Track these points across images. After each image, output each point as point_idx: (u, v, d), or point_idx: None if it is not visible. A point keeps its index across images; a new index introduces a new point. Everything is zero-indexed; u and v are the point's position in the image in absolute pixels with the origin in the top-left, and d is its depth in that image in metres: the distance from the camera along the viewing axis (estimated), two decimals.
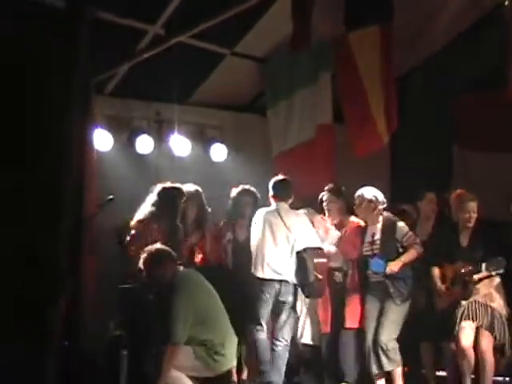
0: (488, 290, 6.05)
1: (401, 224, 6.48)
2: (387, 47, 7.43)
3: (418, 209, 6.87)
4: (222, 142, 8.56)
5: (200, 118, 8.57)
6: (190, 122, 8.43)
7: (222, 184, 7.58)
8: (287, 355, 6.26)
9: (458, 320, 5.98)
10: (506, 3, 6.55)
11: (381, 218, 6.50)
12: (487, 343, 5.88)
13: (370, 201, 6.49)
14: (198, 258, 6.55)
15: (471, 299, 6.03)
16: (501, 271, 5.83)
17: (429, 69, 8.60)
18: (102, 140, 7.79)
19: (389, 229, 6.47)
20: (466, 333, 5.92)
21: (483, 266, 5.88)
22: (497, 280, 6.06)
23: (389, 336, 6.26)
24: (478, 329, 5.94)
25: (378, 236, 6.47)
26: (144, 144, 8.02)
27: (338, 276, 6.54)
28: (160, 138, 8.18)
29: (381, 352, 6.23)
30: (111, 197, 6.35)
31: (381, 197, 6.51)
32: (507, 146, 7.78)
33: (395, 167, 8.88)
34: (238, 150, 8.55)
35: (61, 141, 5.52)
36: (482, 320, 5.93)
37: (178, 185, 6.36)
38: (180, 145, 8.19)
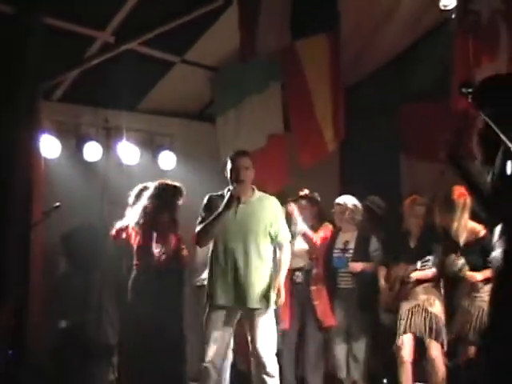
0: (427, 294, 6.16)
1: (374, 239, 6.66)
2: (335, 55, 7.49)
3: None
4: (170, 150, 8.50)
5: (149, 126, 8.51)
6: (138, 130, 8.38)
7: None
8: None
9: (399, 331, 6.11)
10: (453, 16, 6.72)
11: (355, 228, 6.64)
12: (436, 352, 6.01)
13: (352, 210, 6.64)
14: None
15: (410, 305, 6.13)
16: (433, 267, 6.02)
17: (377, 80, 8.72)
18: (50, 146, 7.71)
19: (364, 240, 6.65)
20: (407, 346, 6.08)
21: (418, 264, 6.06)
22: (435, 284, 6.20)
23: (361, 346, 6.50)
24: (423, 339, 6.07)
25: (351, 245, 6.63)
26: (92, 151, 7.92)
27: (299, 275, 6.60)
28: (108, 145, 8.09)
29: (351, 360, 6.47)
30: (57, 204, 6.32)
31: (360, 206, 6.65)
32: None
33: (344, 174, 8.94)
34: (187, 158, 8.47)
35: (6, 147, 5.57)
36: (425, 329, 6.05)
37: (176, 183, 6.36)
38: (128, 152, 8.12)
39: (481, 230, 5.86)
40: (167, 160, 8.48)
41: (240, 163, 5.18)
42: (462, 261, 5.87)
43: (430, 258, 6.05)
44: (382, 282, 6.41)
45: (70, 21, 6.83)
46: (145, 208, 6.06)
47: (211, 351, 5.09)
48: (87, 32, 7.07)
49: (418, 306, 6.13)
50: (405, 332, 6.09)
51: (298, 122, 7.68)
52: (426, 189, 7.25)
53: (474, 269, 5.87)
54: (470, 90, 3.48)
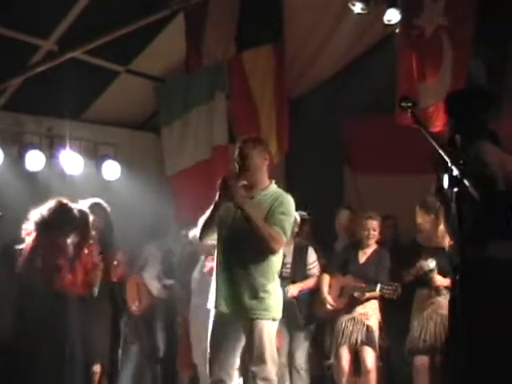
0: (364, 308, 6.31)
1: (311, 250, 6.61)
2: (280, 67, 7.58)
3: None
4: (115, 160, 8.43)
5: (93, 135, 8.44)
6: (82, 139, 8.32)
7: (114, 203, 7.04)
8: None
9: (336, 342, 6.24)
10: (397, 31, 6.79)
11: (291, 240, 6.45)
12: (371, 358, 6.17)
13: None
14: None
15: (346, 317, 6.28)
16: (393, 297, 6.03)
17: (321, 92, 8.86)
18: None
19: (300, 253, 6.58)
20: (345, 356, 6.24)
21: (378, 286, 6.09)
22: (373, 301, 6.33)
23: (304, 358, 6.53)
24: (356, 347, 6.22)
25: (289, 259, 6.48)
26: (34, 160, 7.78)
27: None
28: (52, 154, 8.05)
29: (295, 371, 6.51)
30: None
31: (298, 218, 6.46)
32: (392, 168, 7.99)
33: (289, 186, 8.29)
34: (131, 168, 8.41)
35: None
36: (360, 337, 6.20)
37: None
38: (72, 161, 8.03)
39: None
40: (111, 170, 8.39)
41: (243, 150, 4.79)
42: (434, 263, 5.97)
43: (393, 285, 6.06)
44: (324, 291, 6.44)
45: (14, 28, 6.77)
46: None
47: (215, 367, 4.79)
48: (31, 40, 7.01)
49: (354, 319, 6.27)
50: (342, 344, 6.24)
51: (243, 133, 7.10)
52: (371, 202, 7.43)
53: (442, 274, 5.98)
54: (409, 105, 3.54)
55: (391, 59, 7.00)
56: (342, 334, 6.25)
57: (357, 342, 6.19)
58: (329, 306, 6.39)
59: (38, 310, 4.93)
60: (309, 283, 6.56)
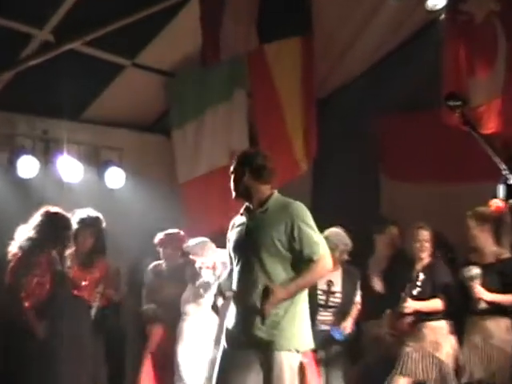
0: (434, 336, 6.20)
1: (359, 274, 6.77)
2: (308, 61, 7.54)
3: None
4: (119, 166, 8.34)
5: (94, 138, 8.38)
6: (82, 142, 8.24)
7: (118, 214, 7.56)
8: None
9: (394, 370, 6.10)
10: (442, 17, 6.74)
11: (339, 265, 6.58)
12: None
13: (343, 250, 6.57)
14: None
15: (414, 346, 6.16)
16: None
17: (353, 90, 8.73)
18: None
19: (351, 280, 6.70)
20: None
21: (414, 290, 6.11)
22: (444, 325, 6.22)
23: None
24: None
25: (337, 287, 6.61)
26: (27, 166, 7.67)
27: None
28: (47, 159, 7.96)
29: None
30: None
31: (346, 240, 6.56)
32: (435, 175, 7.87)
33: (317, 197, 8.82)
34: (138, 175, 8.35)
35: None
36: (429, 375, 6.11)
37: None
38: (70, 168, 7.94)
39: (504, 253, 6.04)
40: (115, 177, 8.30)
41: (231, 170, 4.89)
42: (477, 270, 5.95)
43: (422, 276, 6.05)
44: (384, 328, 6.49)
45: (3, 15, 6.67)
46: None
47: None
48: (23, 29, 6.91)
49: (423, 349, 6.16)
50: (401, 374, 6.11)
51: (266, 136, 7.62)
52: (410, 213, 7.40)
53: (487, 289, 5.96)
54: (458, 103, 3.54)
55: (433, 51, 6.98)
56: (403, 368, 6.14)
57: (423, 375, 6.13)
58: (389, 335, 6.42)
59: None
60: (354, 314, 6.70)
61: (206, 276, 6.90)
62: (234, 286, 4.74)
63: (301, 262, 4.62)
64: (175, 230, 7.32)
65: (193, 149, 8.22)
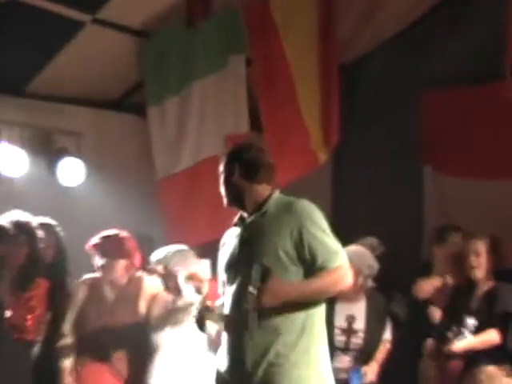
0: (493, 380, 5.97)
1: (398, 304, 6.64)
2: (327, 15, 7.30)
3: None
4: (77, 157, 8.12)
5: (43, 119, 8.11)
6: (27, 125, 8.00)
7: (75, 220, 7.41)
8: None
9: None
10: None
11: (363, 295, 6.35)
12: None
13: (358, 269, 6.14)
14: None
15: None
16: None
17: (384, 56, 8.45)
18: None
19: (377, 312, 6.42)
20: None
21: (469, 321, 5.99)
22: (505, 369, 5.96)
23: None
24: None
25: (360, 324, 6.30)
26: None
27: None
28: None
29: None
30: None
31: (371, 261, 6.32)
32: (494, 167, 7.63)
33: (338, 194, 8.74)
34: (102, 168, 8.25)
35: None
36: None
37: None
38: (9, 158, 7.78)
39: None
40: (71, 170, 8.11)
41: (221, 169, 4.72)
42: None
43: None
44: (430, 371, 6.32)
45: None
46: None
47: None
48: None
49: None
50: None
51: (271, 117, 7.41)
52: (462, 214, 7.29)
53: None
54: None
55: (493, 7, 6.89)
56: None
57: None
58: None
59: None
60: (382, 354, 6.36)
61: (190, 294, 6.51)
62: (226, 314, 4.57)
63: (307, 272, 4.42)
64: (115, 231, 6.96)
65: (175, 133, 8.00)
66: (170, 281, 6.63)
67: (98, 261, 6.69)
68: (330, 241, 4.36)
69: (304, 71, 7.40)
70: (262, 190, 4.54)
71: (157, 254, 6.64)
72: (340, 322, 6.26)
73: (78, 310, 6.73)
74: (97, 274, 6.80)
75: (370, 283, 6.35)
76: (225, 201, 4.62)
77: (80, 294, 6.78)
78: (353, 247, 6.30)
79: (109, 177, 8.14)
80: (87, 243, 6.53)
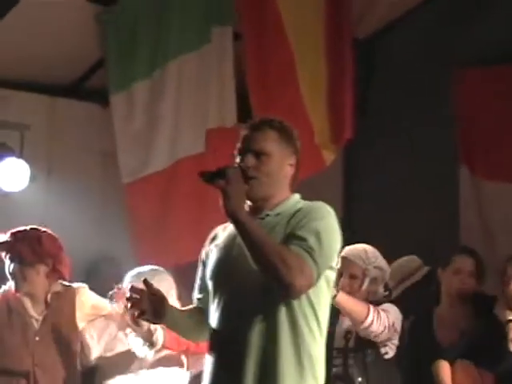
0: None
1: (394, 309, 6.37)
2: None
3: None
4: (19, 156, 7.98)
5: None
6: None
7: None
8: None
9: None
10: None
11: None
12: None
13: (361, 269, 6.24)
14: None
15: None
16: None
17: (408, 30, 8.51)
18: None
19: None
20: None
21: None
22: None
23: None
24: None
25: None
26: None
27: None
28: None
29: None
30: None
31: (381, 262, 6.27)
32: None
33: (350, 202, 8.72)
34: (50, 169, 8.21)
35: None
36: None
37: None
38: None
39: None
40: (14, 174, 7.94)
41: (250, 142, 4.47)
42: None
43: None
44: None
45: None
46: None
47: None
48: None
49: None
50: None
51: (266, 106, 7.43)
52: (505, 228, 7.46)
53: None
54: None
55: None
56: None
57: None
58: None
59: None
60: None
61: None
62: (211, 337, 4.53)
63: None
64: (32, 226, 6.62)
65: (144, 127, 7.92)
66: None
67: (8, 266, 6.38)
68: (319, 238, 4.25)
69: (308, 50, 7.51)
70: (288, 190, 4.61)
71: (128, 276, 6.49)
72: (337, 341, 6.29)
73: None
74: (9, 285, 6.52)
75: (381, 291, 6.30)
76: (251, 189, 4.41)
77: None
78: (359, 245, 6.36)
79: (61, 180, 8.07)
80: None
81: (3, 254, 6.35)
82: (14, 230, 6.34)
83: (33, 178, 7.99)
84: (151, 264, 6.83)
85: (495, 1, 7.91)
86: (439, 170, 8.12)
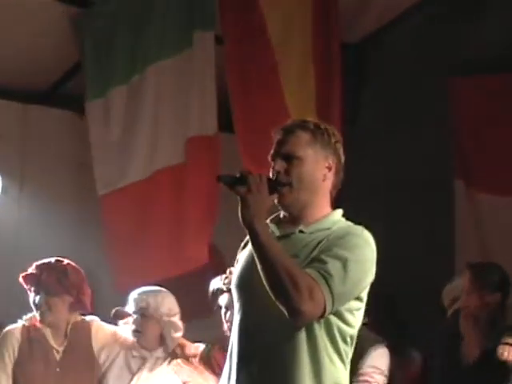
0: None
1: (376, 349, 6.02)
2: None
3: None
4: None
5: None
6: None
7: None
8: None
9: None
10: None
11: None
12: None
13: None
14: None
15: None
16: None
17: (403, 33, 8.36)
18: None
19: (358, 353, 5.80)
20: None
21: None
22: None
23: None
24: None
25: None
26: None
27: None
28: None
29: None
30: None
31: None
32: None
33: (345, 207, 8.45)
34: (22, 180, 8.23)
35: None
36: None
37: None
38: None
39: None
40: None
41: (284, 146, 4.35)
42: None
43: None
44: None
45: None
46: None
47: None
48: None
49: None
50: None
51: (247, 115, 7.40)
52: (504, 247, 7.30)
53: None
54: None
55: None
56: None
57: None
58: None
59: None
60: None
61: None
62: (233, 349, 4.39)
63: None
64: (56, 259, 6.60)
65: (121, 135, 7.74)
66: (148, 330, 6.46)
67: (34, 297, 6.41)
68: (343, 266, 4.07)
69: (294, 56, 7.42)
70: (327, 203, 4.49)
71: (132, 295, 6.51)
72: None
73: (12, 370, 6.47)
74: (33, 315, 6.49)
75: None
76: (283, 197, 4.33)
77: (11, 346, 6.52)
78: None
79: (34, 192, 8.13)
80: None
81: (29, 285, 6.41)
82: (38, 263, 6.36)
83: (4, 191, 8.07)
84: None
85: (493, 5, 7.65)
86: (434, 184, 7.89)
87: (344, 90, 7.55)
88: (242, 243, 4.58)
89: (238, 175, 4.09)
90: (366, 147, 8.08)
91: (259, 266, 4.09)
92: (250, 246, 4.34)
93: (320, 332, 4.16)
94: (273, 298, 4.05)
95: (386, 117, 8.24)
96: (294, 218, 4.28)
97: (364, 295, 4.24)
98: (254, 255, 4.15)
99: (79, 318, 6.43)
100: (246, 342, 4.33)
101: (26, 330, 6.44)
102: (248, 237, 4.33)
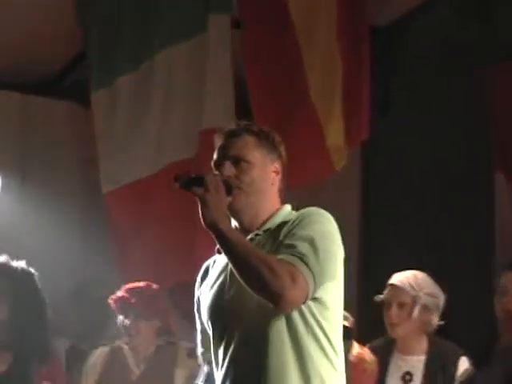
0: None
1: (464, 361, 6.11)
2: None
3: None
4: None
5: None
6: None
7: None
8: None
9: None
10: None
11: (425, 341, 6.17)
12: None
13: (410, 296, 6.15)
14: None
15: None
16: None
17: (435, 16, 8.01)
18: None
19: (442, 367, 6.20)
20: None
21: None
22: None
23: None
24: None
25: (417, 381, 6.17)
26: None
27: None
28: None
29: None
30: None
31: (433, 288, 6.14)
32: None
33: (368, 217, 8.44)
34: (23, 177, 8.12)
35: None
36: None
37: None
38: None
39: None
40: None
41: (228, 150, 4.27)
42: None
43: None
44: None
45: None
46: None
47: None
48: None
49: None
50: None
51: (267, 104, 7.16)
52: None
53: None
54: None
55: None
56: None
57: None
58: None
59: None
60: None
61: None
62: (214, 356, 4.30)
63: None
64: (146, 283, 6.69)
65: (129, 128, 7.58)
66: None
67: (122, 321, 6.59)
68: (314, 243, 4.04)
69: (319, 39, 7.18)
70: (278, 202, 4.44)
71: None
72: (393, 380, 6.17)
73: None
74: (119, 339, 6.79)
75: (436, 321, 6.14)
76: (233, 202, 4.20)
77: (95, 368, 6.73)
78: (407, 271, 6.20)
79: (35, 190, 8.00)
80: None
81: (118, 308, 6.53)
82: (128, 287, 6.50)
83: (5, 187, 8.02)
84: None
85: None
86: (472, 178, 7.67)
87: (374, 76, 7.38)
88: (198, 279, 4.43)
89: (193, 175, 3.99)
90: (397, 139, 7.94)
91: (233, 266, 3.99)
92: (207, 281, 4.34)
93: (300, 320, 4.04)
94: (255, 292, 3.94)
95: (419, 107, 8.00)
96: (246, 227, 4.17)
97: (339, 274, 4.09)
98: (225, 256, 4.02)
99: (163, 341, 6.54)
100: (236, 370, 4.16)
101: (111, 351, 6.63)
102: (202, 269, 4.38)
